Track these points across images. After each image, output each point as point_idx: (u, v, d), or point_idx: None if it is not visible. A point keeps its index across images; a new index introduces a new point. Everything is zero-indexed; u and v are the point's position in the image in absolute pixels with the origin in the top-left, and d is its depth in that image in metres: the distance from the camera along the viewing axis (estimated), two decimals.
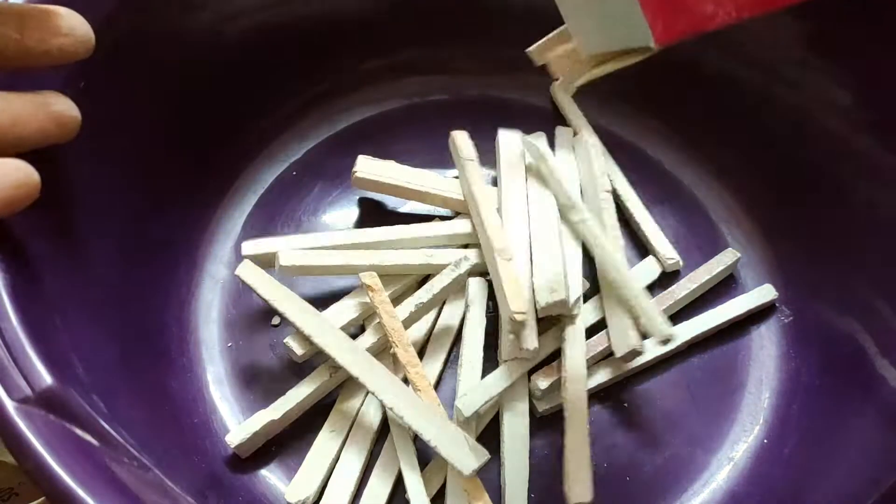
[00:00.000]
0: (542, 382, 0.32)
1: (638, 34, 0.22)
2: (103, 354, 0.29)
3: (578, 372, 0.32)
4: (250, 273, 0.33)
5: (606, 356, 0.34)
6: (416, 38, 0.42)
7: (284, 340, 0.33)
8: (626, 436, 0.33)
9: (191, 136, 0.37)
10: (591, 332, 0.34)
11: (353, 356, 0.31)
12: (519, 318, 0.31)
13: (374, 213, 0.39)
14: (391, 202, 0.39)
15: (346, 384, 0.33)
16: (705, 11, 0.22)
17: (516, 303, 0.31)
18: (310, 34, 0.40)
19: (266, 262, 0.34)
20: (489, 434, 0.32)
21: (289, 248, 0.34)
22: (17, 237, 0.26)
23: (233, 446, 0.31)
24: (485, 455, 0.29)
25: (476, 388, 0.31)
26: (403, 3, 0.41)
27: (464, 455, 0.29)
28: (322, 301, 0.34)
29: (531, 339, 0.31)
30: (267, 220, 0.38)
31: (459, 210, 0.38)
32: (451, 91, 0.42)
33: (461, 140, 0.38)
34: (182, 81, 0.36)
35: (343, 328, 0.32)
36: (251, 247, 0.34)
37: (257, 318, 0.36)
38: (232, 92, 0.38)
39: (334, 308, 0.34)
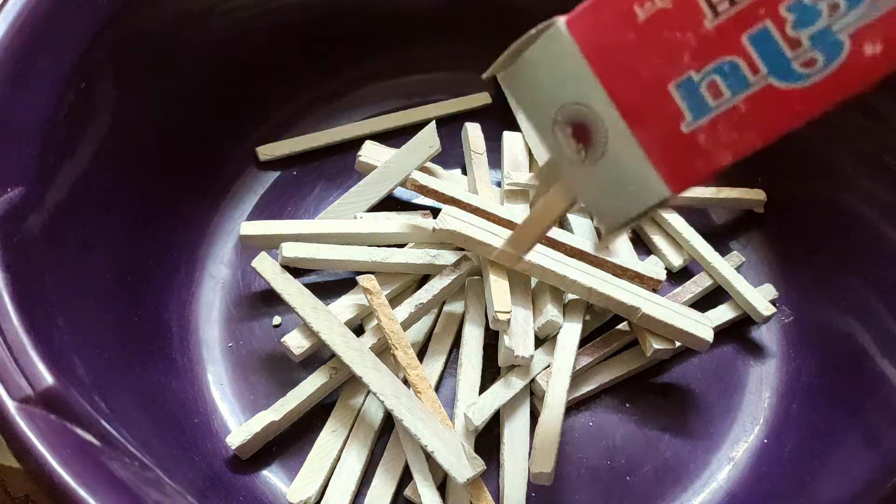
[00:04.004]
0: (545, 383, 0.32)
1: (650, 190, 0.21)
2: (104, 354, 0.29)
3: (566, 361, 0.32)
4: (266, 266, 0.33)
5: (607, 357, 0.34)
6: (416, 38, 0.42)
7: (282, 339, 0.33)
8: (626, 436, 0.33)
9: (191, 137, 0.37)
10: (591, 336, 0.35)
11: (359, 356, 0.31)
12: (502, 317, 0.31)
13: (374, 212, 0.39)
14: (391, 202, 0.39)
15: (347, 383, 0.33)
16: (719, 152, 0.21)
17: (500, 302, 0.31)
18: (310, 35, 0.40)
19: (263, 244, 0.35)
20: (489, 434, 0.32)
21: (287, 231, 0.35)
22: (19, 237, 0.26)
23: (234, 448, 0.31)
24: (481, 465, 0.29)
25: (486, 396, 0.31)
26: (404, 3, 0.41)
27: (460, 464, 0.29)
28: (324, 288, 0.35)
29: (526, 346, 0.31)
30: (267, 220, 0.38)
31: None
32: (452, 91, 0.42)
33: (473, 132, 0.38)
34: (182, 82, 0.36)
35: None
36: (249, 227, 0.35)
37: (258, 318, 0.36)
38: (232, 92, 0.38)
39: (332, 307, 0.34)
